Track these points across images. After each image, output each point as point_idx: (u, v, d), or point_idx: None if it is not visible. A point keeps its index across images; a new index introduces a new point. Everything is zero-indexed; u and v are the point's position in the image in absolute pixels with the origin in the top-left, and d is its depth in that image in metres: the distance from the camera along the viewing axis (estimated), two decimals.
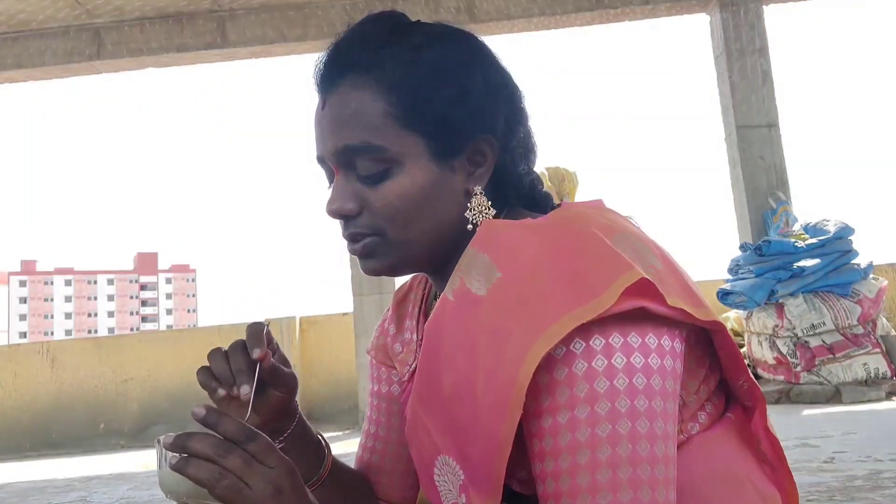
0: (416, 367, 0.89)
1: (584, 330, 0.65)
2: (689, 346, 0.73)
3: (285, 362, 0.90)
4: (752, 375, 0.79)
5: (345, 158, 0.79)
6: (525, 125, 0.84)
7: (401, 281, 1.02)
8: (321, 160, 0.83)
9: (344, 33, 0.82)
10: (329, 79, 0.81)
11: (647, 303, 0.67)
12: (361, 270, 0.85)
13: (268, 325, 0.86)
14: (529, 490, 0.75)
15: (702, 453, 0.75)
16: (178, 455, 0.68)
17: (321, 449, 0.94)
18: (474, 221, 0.80)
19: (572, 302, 0.65)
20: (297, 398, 0.91)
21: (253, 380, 0.81)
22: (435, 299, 0.91)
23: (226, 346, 0.85)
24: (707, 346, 0.77)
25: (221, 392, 0.82)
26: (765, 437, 0.79)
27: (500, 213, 0.82)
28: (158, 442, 0.73)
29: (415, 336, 0.94)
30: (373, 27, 0.81)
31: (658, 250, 0.74)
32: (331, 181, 0.83)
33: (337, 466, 0.96)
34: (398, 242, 0.80)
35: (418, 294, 0.98)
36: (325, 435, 0.97)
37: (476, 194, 0.80)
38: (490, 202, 0.81)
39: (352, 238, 0.82)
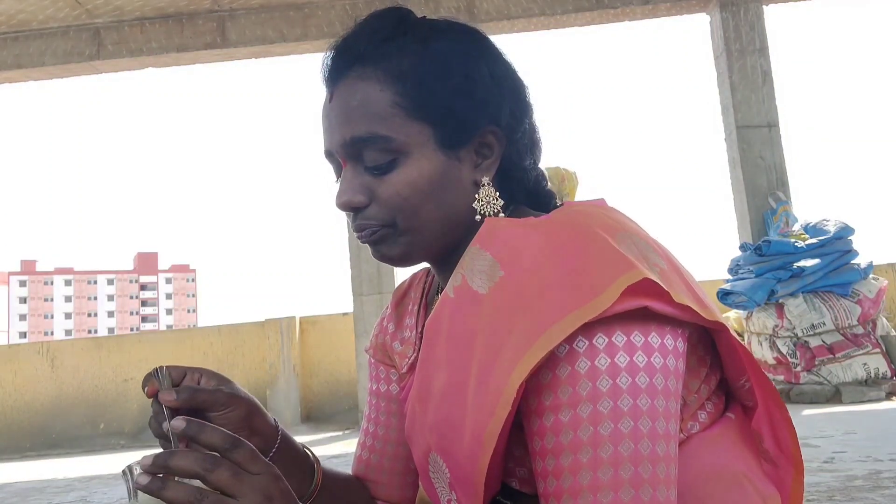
0: (414, 361, 0.89)
1: (588, 328, 0.65)
2: (690, 346, 0.73)
3: (223, 383, 0.84)
4: (763, 374, 0.77)
5: (352, 150, 0.79)
6: (530, 119, 0.85)
7: (400, 280, 1.02)
8: (329, 154, 0.83)
9: (351, 28, 0.83)
10: (336, 72, 0.81)
11: (650, 302, 0.66)
12: (373, 256, 0.84)
13: (158, 371, 0.80)
14: (530, 488, 0.75)
15: (701, 452, 0.74)
16: (149, 476, 0.63)
17: (310, 464, 0.92)
18: (482, 212, 0.80)
19: (574, 301, 0.65)
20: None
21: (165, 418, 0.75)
22: (438, 294, 0.91)
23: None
24: (708, 344, 0.77)
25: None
26: (768, 434, 0.79)
27: (506, 206, 0.82)
28: (128, 471, 0.67)
29: (414, 333, 0.94)
30: (379, 21, 0.81)
31: (661, 250, 0.74)
32: (339, 175, 0.83)
33: (328, 478, 0.94)
34: (407, 231, 0.80)
35: (417, 292, 0.97)
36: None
37: (484, 185, 0.81)
38: (497, 193, 0.81)
39: (361, 229, 0.82)
